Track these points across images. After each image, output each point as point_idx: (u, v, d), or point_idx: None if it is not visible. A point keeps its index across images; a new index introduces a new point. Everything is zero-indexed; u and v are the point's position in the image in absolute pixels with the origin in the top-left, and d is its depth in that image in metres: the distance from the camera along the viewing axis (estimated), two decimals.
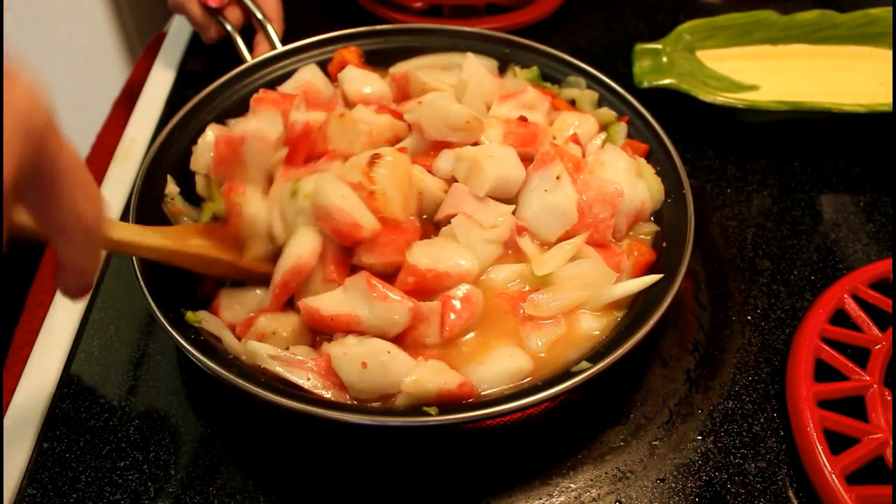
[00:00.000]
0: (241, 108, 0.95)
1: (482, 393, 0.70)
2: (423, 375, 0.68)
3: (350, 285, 0.72)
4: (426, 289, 0.74)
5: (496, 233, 0.78)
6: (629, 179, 0.83)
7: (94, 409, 0.77)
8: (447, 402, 0.68)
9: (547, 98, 0.94)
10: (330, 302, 0.72)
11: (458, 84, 0.90)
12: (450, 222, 0.78)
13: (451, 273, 0.74)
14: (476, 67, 0.93)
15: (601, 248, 0.80)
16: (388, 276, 0.74)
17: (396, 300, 0.70)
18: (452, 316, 0.73)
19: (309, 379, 0.70)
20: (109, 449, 0.74)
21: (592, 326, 0.76)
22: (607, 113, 0.96)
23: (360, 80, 0.93)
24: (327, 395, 0.70)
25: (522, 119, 0.88)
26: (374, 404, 0.70)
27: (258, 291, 0.77)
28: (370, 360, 0.68)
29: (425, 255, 0.74)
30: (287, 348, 0.72)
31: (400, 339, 0.72)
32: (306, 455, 0.74)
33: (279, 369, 0.70)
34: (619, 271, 0.79)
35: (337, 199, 0.71)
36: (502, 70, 1.03)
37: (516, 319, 0.75)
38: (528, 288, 0.77)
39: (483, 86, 0.91)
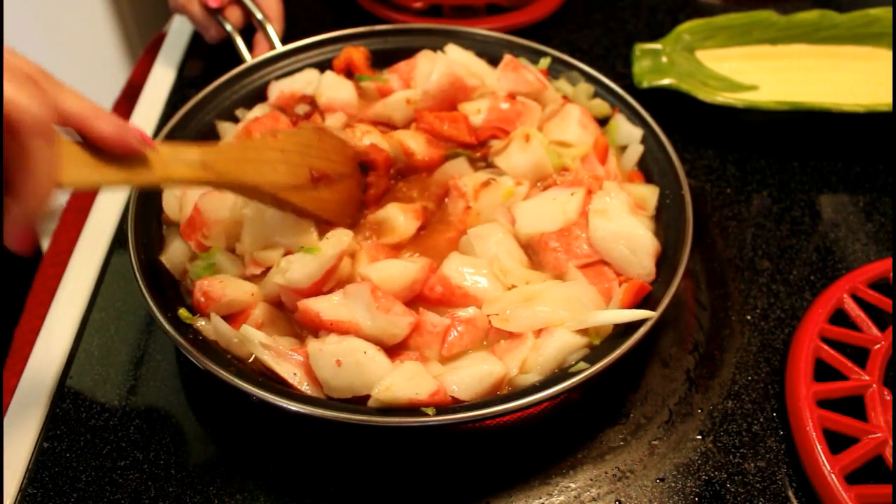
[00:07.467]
0: (239, 108, 0.95)
1: (455, 397, 0.68)
2: (394, 382, 0.66)
3: (352, 292, 0.71)
4: (448, 302, 0.74)
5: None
6: (634, 237, 0.78)
7: (94, 408, 0.77)
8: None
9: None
10: (329, 307, 0.71)
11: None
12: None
13: (478, 297, 0.74)
14: (459, 52, 0.96)
15: (595, 274, 0.77)
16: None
17: (398, 314, 0.70)
18: (453, 336, 0.72)
19: (295, 374, 0.70)
20: (110, 449, 0.74)
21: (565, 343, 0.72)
22: (601, 105, 0.96)
23: (330, 87, 0.93)
24: (309, 391, 0.69)
25: (511, 96, 0.88)
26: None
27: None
28: (345, 358, 0.67)
29: (459, 271, 0.74)
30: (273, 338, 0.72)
31: (401, 343, 0.72)
32: (306, 455, 0.74)
33: (267, 358, 0.70)
34: (609, 298, 0.76)
35: None
36: None
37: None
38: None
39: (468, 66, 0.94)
